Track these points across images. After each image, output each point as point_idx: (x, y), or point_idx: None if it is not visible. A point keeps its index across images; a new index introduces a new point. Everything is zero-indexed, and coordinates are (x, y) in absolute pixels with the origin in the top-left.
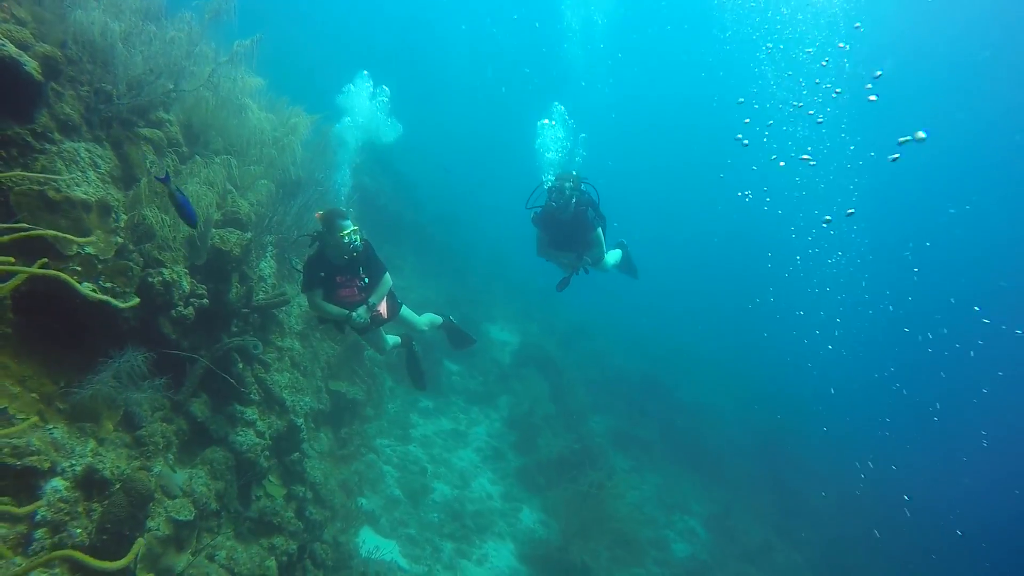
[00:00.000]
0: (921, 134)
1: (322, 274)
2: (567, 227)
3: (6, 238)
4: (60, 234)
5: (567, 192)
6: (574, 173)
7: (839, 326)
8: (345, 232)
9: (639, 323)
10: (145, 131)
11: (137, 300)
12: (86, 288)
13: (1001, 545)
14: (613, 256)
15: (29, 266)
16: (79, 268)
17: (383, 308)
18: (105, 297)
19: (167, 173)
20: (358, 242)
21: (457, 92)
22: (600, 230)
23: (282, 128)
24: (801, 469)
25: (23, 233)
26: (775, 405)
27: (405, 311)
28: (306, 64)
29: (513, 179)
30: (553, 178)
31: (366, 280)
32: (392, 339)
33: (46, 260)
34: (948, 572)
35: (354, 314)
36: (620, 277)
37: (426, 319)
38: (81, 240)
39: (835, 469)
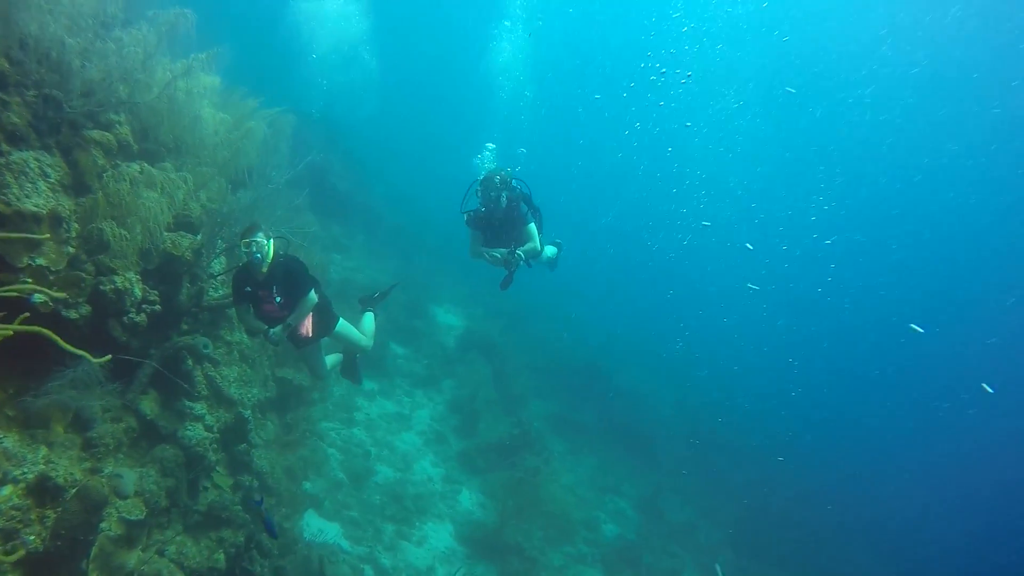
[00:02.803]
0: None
1: (248, 288)
2: (501, 224)
3: None
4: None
5: (497, 189)
6: (503, 172)
7: (772, 313)
8: (243, 240)
9: (582, 308)
10: (95, 134)
11: (109, 357)
12: (67, 344)
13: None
14: (549, 250)
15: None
16: (30, 280)
17: (307, 328)
18: (82, 352)
19: (262, 498)
20: (257, 254)
21: (404, 67)
22: (533, 224)
23: (237, 131)
24: (727, 451)
25: None
26: (707, 391)
27: (343, 327)
28: (268, 53)
29: (464, 156)
30: (481, 178)
31: (278, 299)
32: (332, 359)
33: (27, 315)
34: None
35: (271, 332)
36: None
37: (365, 328)
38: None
39: (759, 451)
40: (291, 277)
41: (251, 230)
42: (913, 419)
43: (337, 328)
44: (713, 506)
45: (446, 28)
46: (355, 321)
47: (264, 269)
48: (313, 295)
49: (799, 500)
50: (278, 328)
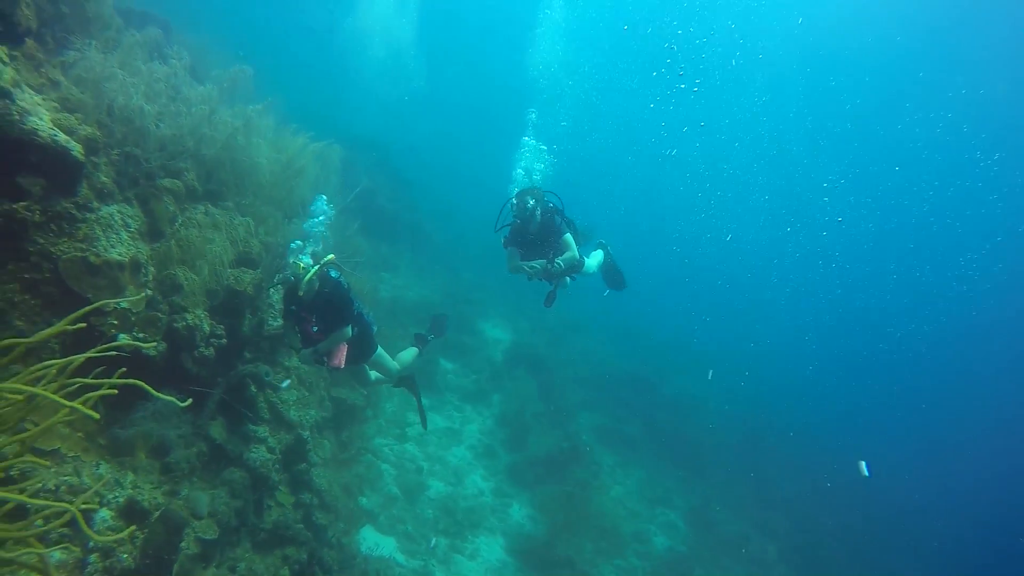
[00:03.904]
0: None
1: (293, 307)
2: (537, 238)
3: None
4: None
5: (530, 205)
6: (535, 188)
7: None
8: (292, 260)
9: (628, 318)
10: (166, 182)
11: (190, 401)
12: (158, 393)
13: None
14: (595, 258)
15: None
16: (116, 322)
17: (340, 359)
18: (169, 398)
19: None
20: (291, 277)
21: (447, 84)
22: (569, 235)
23: (290, 169)
24: (780, 462)
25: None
26: (757, 399)
27: (379, 356)
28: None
29: (505, 167)
30: (515, 195)
31: (315, 328)
32: (401, 359)
33: (124, 370)
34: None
35: (299, 354)
36: (607, 288)
37: (402, 359)
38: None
39: (812, 462)
40: (331, 310)
41: (299, 251)
42: (973, 424)
43: (374, 357)
44: (765, 518)
45: (485, 33)
46: (396, 350)
47: (301, 293)
48: (348, 331)
49: (854, 511)
50: (306, 352)
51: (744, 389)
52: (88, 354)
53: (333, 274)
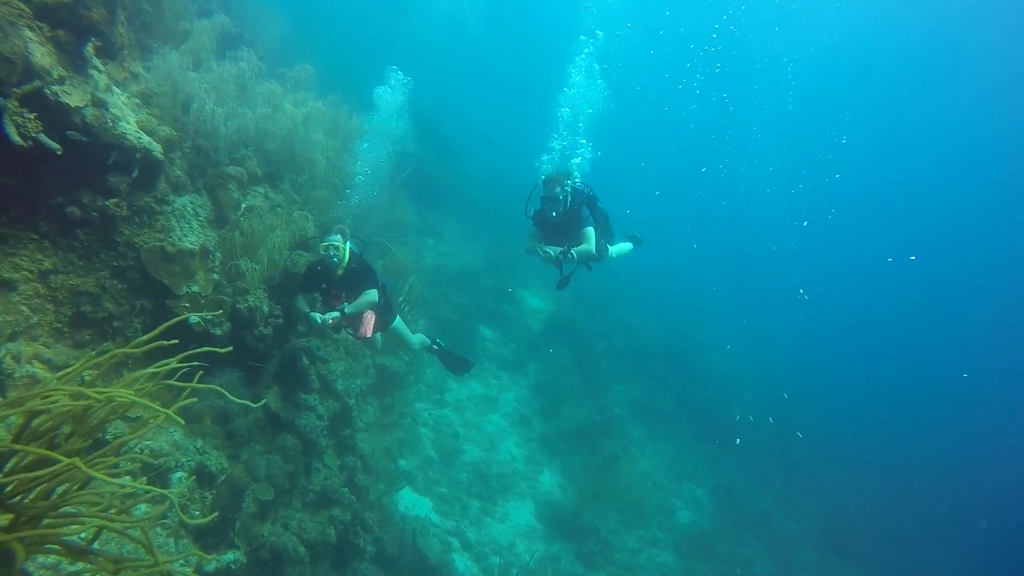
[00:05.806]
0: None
1: (324, 285)
2: (561, 223)
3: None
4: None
5: (559, 195)
6: (571, 174)
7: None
8: (323, 244)
9: (668, 290)
10: (231, 169)
11: (264, 402)
12: (234, 398)
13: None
14: (617, 250)
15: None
16: (187, 304)
17: (368, 325)
18: (244, 401)
19: None
20: (334, 258)
21: (492, 51)
22: (591, 229)
23: (347, 153)
24: (809, 443)
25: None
26: (792, 380)
27: (398, 324)
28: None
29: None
30: (543, 180)
31: (345, 304)
32: (418, 338)
33: (201, 372)
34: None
35: (313, 315)
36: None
37: (417, 338)
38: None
39: (844, 444)
40: (362, 275)
41: (326, 232)
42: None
43: (393, 325)
44: (791, 498)
45: None
46: (411, 329)
47: (340, 272)
48: (375, 294)
49: (881, 495)
50: (317, 314)
51: (779, 371)
52: (173, 363)
53: (349, 246)
